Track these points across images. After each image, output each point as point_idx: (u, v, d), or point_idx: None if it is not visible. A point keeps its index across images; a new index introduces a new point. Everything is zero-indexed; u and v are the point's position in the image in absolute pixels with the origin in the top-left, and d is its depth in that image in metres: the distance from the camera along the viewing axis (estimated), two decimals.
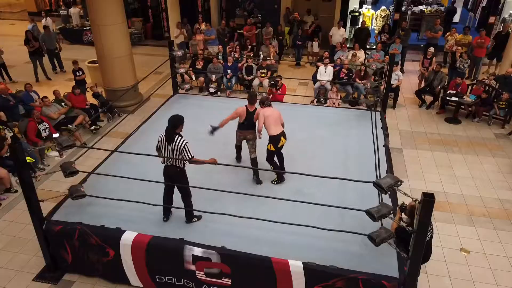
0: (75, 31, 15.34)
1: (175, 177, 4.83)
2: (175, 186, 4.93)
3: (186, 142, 4.63)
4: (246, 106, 5.73)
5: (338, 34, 12.40)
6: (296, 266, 4.24)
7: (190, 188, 4.89)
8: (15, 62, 12.76)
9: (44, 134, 7.63)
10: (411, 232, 3.76)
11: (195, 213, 5.04)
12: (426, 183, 7.08)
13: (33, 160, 7.14)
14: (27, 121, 7.61)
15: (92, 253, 4.85)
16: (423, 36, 14.77)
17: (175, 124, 4.68)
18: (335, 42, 12.17)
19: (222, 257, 4.42)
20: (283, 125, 5.79)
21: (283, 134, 5.70)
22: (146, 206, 4.88)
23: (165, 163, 4.80)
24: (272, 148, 5.67)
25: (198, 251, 4.45)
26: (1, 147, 6.80)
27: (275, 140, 5.63)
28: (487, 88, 9.47)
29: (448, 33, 12.09)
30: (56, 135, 7.75)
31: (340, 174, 5.55)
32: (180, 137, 4.66)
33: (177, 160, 4.67)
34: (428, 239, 4.43)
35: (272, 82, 9.82)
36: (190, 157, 4.65)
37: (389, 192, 4.25)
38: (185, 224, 4.91)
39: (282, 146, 5.73)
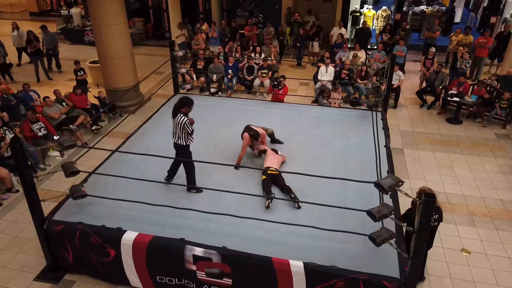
0: (76, 31, 15.38)
1: (179, 153, 5.35)
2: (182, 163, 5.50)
3: (187, 120, 5.10)
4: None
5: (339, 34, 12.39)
6: (296, 266, 4.23)
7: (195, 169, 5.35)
8: (16, 62, 12.78)
9: (39, 134, 7.53)
10: (411, 232, 3.76)
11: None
12: (427, 183, 7.04)
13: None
14: (23, 121, 7.59)
15: (93, 253, 4.86)
16: (424, 36, 14.76)
17: (182, 103, 5.19)
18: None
19: (222, 257, 4.42)
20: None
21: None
22: (147, 206, 4.88)
23: (173, 140, 5.32)
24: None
25: (199, 251, 4.45)
26: None
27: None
28: (489, 88, 9.47)
29: (452, 34, 12.07)
30: (56, 137, 7.70)
31: (341, 174, 5.54)
32: (182, 115, 5.12)
33: (180, 138, 5.21)
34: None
35: (275, 82, 9.81)
36: (190, 131, 5.19)
37: (390, 192, 4.25)
38: (186, 224, 4.89)
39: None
